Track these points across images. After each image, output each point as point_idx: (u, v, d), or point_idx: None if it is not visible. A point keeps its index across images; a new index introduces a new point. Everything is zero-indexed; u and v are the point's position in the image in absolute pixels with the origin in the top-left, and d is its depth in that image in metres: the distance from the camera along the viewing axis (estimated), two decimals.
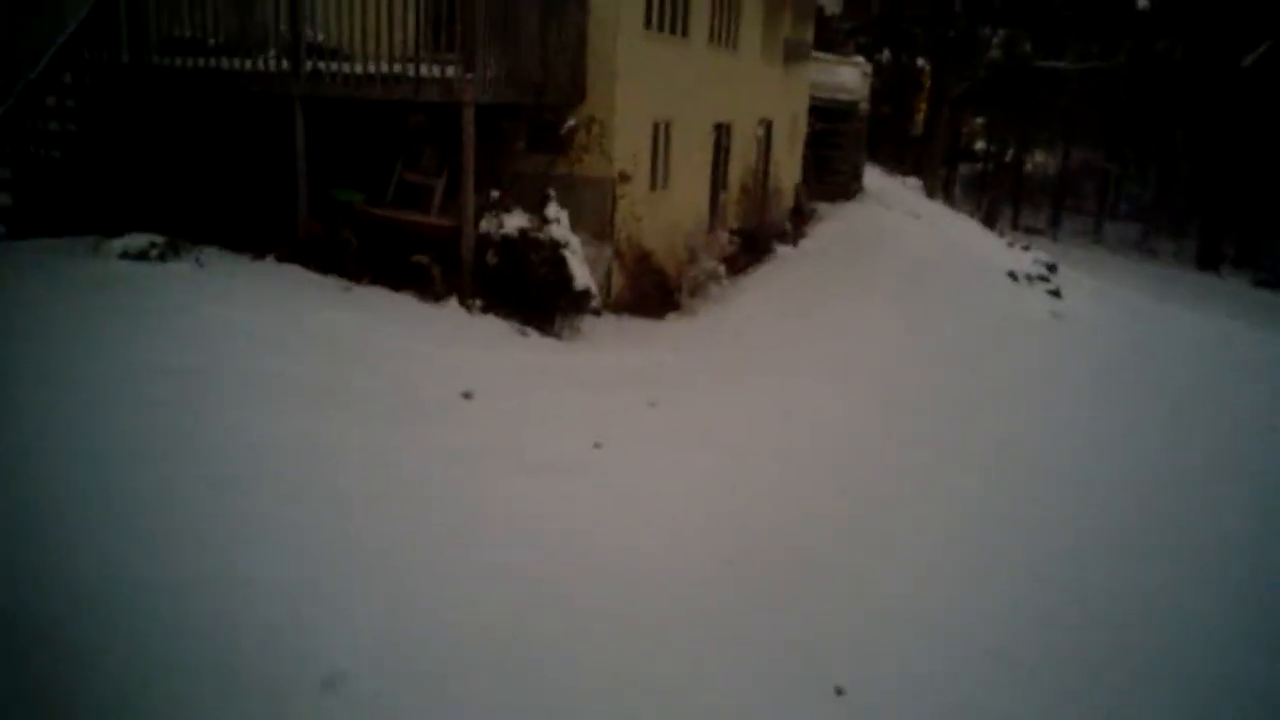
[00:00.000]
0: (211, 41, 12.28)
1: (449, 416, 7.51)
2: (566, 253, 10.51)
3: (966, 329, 15.49)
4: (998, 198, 43.51)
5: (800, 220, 24.00)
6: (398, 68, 10.18)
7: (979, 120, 56.23)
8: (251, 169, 11.19)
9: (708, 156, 17.03)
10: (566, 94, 12.22)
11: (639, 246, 13.71)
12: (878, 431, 9.51)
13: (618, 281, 13.30)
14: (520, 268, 10.40)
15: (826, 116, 27.46)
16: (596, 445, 7.60)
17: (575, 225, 12.68)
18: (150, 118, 11.39)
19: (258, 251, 10.44)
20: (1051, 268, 27.98)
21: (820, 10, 25.27)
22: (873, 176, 35.09)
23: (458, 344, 9.10)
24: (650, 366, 10.21)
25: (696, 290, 14.18)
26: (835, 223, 23.92)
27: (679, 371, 10.24)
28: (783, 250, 19.65)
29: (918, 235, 23.60)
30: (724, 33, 17.15)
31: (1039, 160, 57.13)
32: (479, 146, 12.63)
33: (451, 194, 12.02)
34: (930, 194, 38.85)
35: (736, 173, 18.88)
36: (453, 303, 10.18)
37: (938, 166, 44.46)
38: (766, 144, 21.23)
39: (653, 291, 13.83)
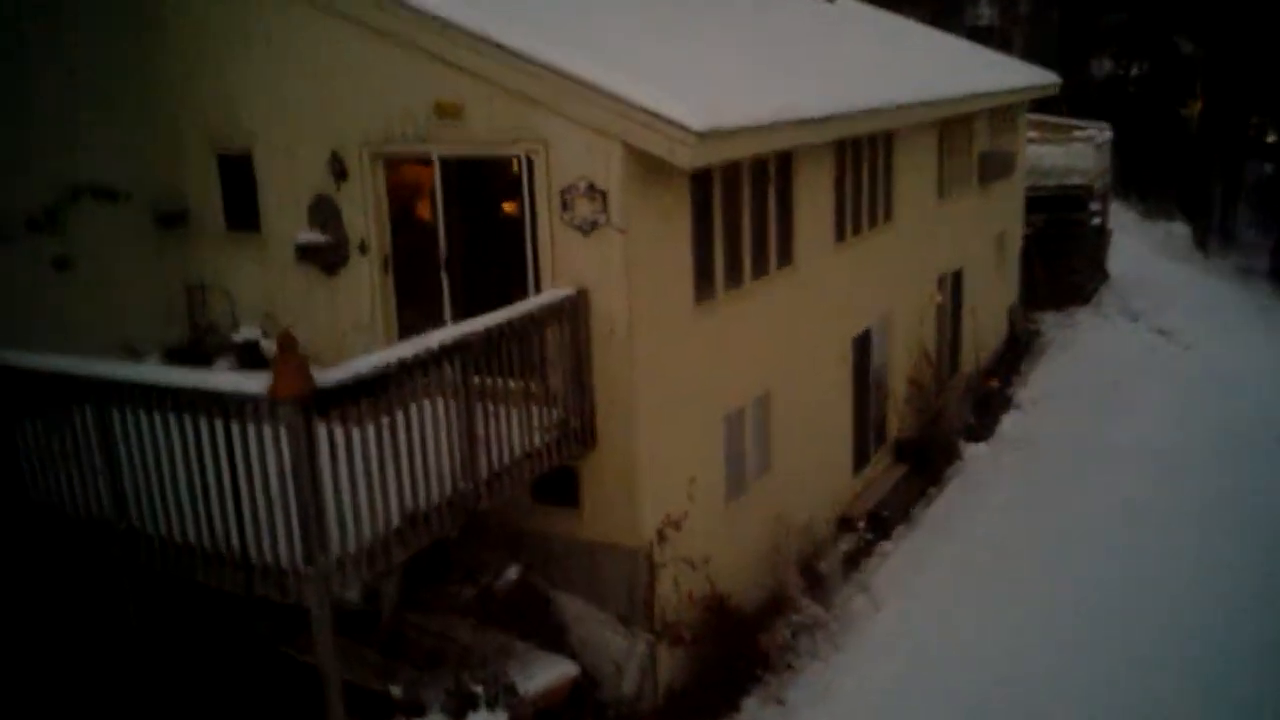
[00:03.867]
0: None
1: None
2: None
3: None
4: None
5: (1014, 358, 18.54)
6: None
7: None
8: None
9: (844, 384, 12.28)
10: (565, 440, 8.06)
11: (707, 596, 9.34)
12: None
13: (667, 665, 8.99)
14: None
15: (1051, 206, 21.55)
16: None
17: (602, 604, 8.63)
18: None
19: None
20: None
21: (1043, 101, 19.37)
22: (1125, 226, 28.20)
23: None
24: None
25: (791, 648, 9.65)
26: (1057, 365, 18.24)
27: None
28: (972, 455, 14.54)
29: (1173, 378, 17.49)
30: (864, 219, 12.30)
31: None
32: None
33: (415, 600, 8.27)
34: (1201, 244, 31.27)
35: (898, 369, 13.93)
36: None
37: (1213, 205, 36.12)
38: (954, 299, 16.02)
39: (732, 652, 9.43)
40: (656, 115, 7.40)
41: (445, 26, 8.03)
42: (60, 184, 8.84)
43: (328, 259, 9.18)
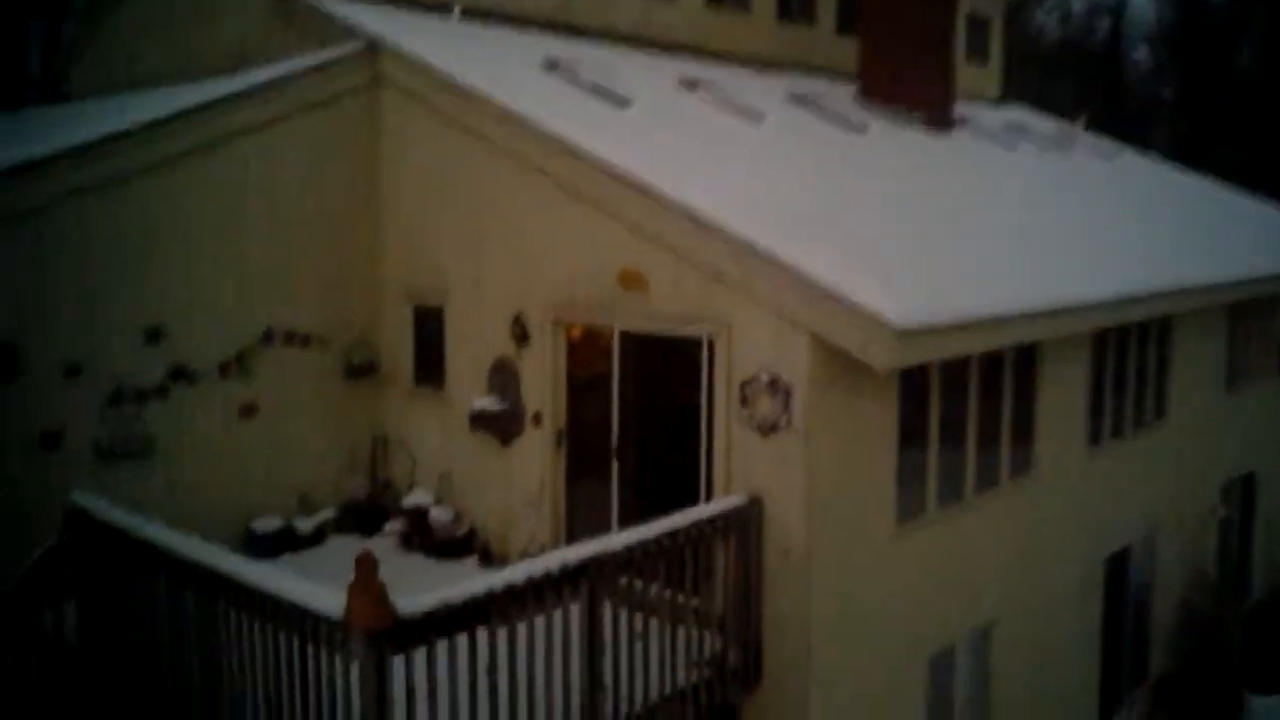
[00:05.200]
0: None
1: None
2: None
3: None
4: None
5: None
6: None
7: None
8: None
9: (1091, 612, 10.08)
10: (720, 679, 6.65)
11: None
12: None
13: None
14: None
15: None
16: None
17: None
18: None
19: None
20: None
21: None
22: None
23: None
24: None
25: None
26: None
27: None
28: (1260, 708, 11.71)
29: None
30: (1127, 417, 10.27)
31: None
32: None
33: None
34: None
35: (1165, 593, 11.48)
36: None
37: None
38: (1245, 507, 13.31)
39: None
40: (847, 304, 6.10)
41: (635, 190, 7.15)
42: (253, 328, 8.57)
43: (502, 427, 8.37)
